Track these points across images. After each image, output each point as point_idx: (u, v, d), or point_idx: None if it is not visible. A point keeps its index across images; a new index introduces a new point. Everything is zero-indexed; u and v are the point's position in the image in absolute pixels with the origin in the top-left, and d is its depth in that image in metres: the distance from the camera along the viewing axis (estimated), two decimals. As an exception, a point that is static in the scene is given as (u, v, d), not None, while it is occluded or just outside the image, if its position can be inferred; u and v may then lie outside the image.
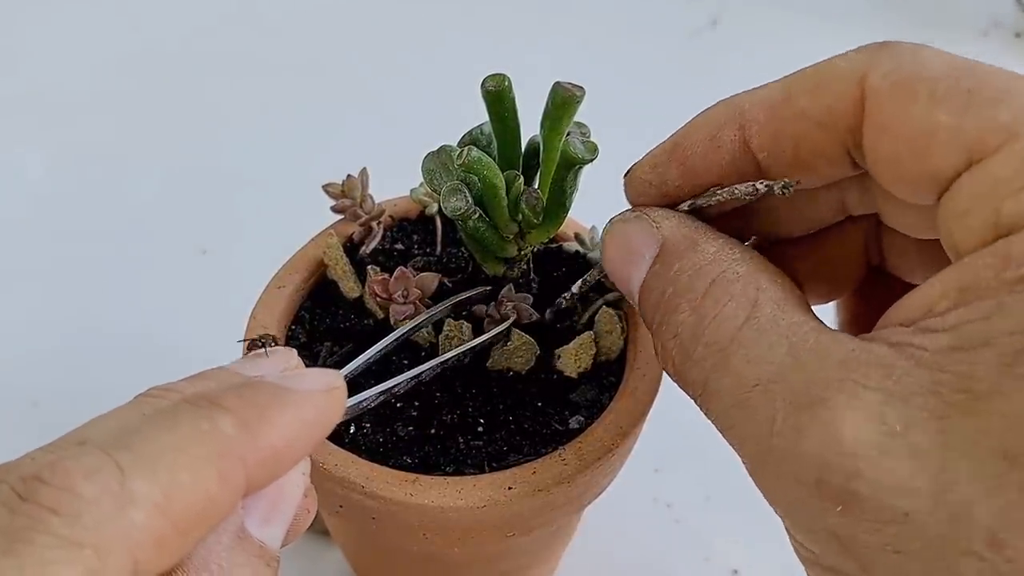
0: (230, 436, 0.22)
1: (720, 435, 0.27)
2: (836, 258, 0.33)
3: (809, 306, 0.26)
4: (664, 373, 0.39)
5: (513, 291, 0.39)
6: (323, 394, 0.25)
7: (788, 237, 0.33)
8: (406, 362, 0.39)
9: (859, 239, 0.32)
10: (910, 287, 0.24)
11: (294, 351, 0.29)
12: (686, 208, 0.30)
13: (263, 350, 0.29)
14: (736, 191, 0.29)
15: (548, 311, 0.39)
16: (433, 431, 0.37)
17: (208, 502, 0.21)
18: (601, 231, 0.32)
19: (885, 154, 0.25)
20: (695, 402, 0.27)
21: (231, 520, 0.24)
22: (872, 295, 0.34)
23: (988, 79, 0.23)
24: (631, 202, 0.32)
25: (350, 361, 0.39)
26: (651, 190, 0.30)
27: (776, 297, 0.25)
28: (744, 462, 0.26)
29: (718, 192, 0.29)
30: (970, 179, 0.23)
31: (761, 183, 0.28)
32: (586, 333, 0.38)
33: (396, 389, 0.34)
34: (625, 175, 0.32)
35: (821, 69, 0.26)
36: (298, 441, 0.24)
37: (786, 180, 0.27)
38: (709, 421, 0.27)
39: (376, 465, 0.35)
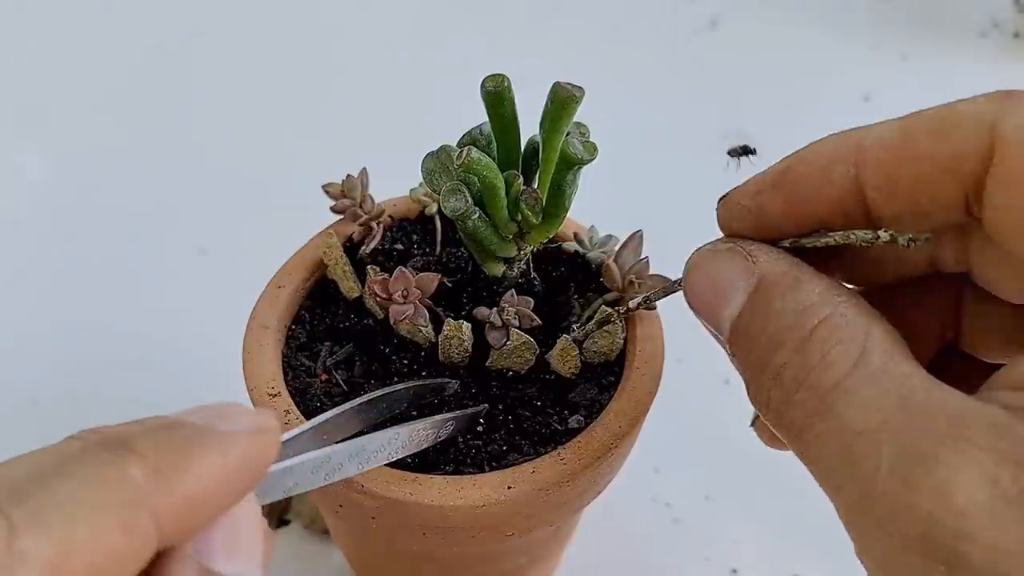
0: (138, 484, 0.20)
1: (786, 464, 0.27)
2: (912, 320, 0.30)
3: (914, 358, 0.25)
4: (662, 373, 0.39)
5: (515, 296, 0.39)
6: (250, 436, 0.23)
7: (864, 284, 0.31)
8: (406, 362, 0.39)
9: (942, 301, 0.31)
10: (983, 369, 0.24)
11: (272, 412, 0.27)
12: (787, 245, 0.28)
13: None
14: (853, 236, 0.27)
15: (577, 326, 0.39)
16: (433, 430, 0.37)
17: (110, 557, 0.20)
18: (684, 264, 0.29)
19: (1009, 207, 0.24)
20: (788, 443, 0.26)
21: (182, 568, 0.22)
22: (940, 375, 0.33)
23: None
24: (723, 228, 0.30)
25: (349, 359, 0.39)
26: (748, 217, 0.29)
27: (885, 344, 0.25)
28: (838, 508, 0.25)
29: (829, 233, 0.27)
30: None
31: (885, 232, 0.26)
32: (563, 337, 0.38)
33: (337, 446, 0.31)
34: (721, 199, 0.30)
35: (945, 112, 0.25)
36: (220, 489, 0.22)
37: (913, 234, 0.26)
38: (804, 466, 0.26)
39: (375, 464, 0.35)
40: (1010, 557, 0.21)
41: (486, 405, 0.38)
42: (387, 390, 0.36)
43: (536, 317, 0.38)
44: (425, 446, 0.35)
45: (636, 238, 0.41)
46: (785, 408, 0.26)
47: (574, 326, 0.39)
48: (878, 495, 0.23)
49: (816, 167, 0.27)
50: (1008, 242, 0.24)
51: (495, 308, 0.38)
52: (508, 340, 0.38)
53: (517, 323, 0.38)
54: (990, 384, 0.24)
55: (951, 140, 0.24)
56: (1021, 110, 0.23)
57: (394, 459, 0.33)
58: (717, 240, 0.29)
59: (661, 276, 0.40)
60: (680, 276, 0.31)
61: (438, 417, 0.35)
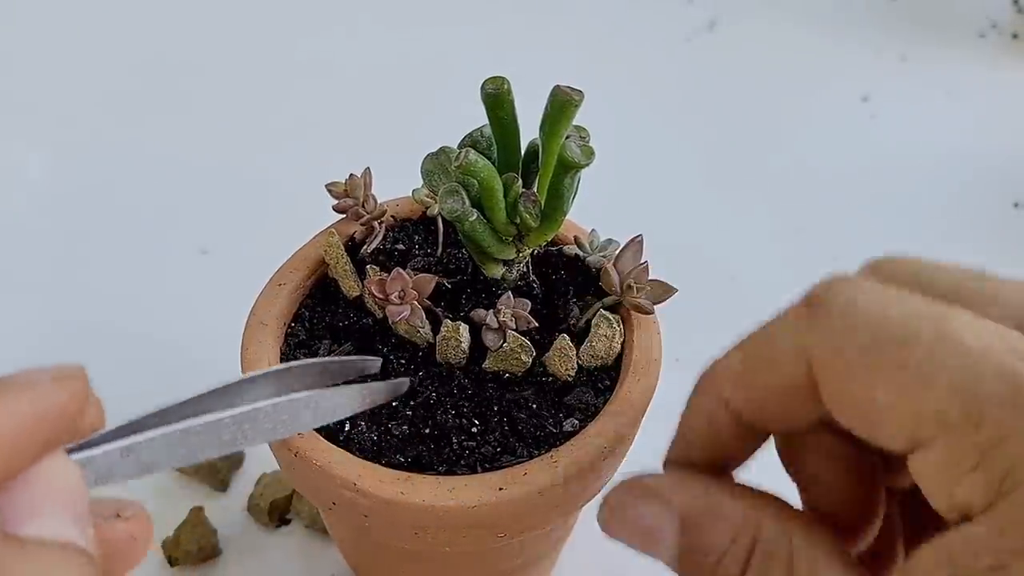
0: None
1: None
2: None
3: (848, 556, 0.26)
4: (659, 378, 0.39)
5: (512, 297, 0.39)
6: (51, 381, 0.22)
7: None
8: (403, 361, 0.40)
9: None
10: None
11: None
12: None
13: None
14: None
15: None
16: (427, 431, 0.37)
17: None
18: (598, 517, 0.29)
19: (846, 423, 0.24)
20: None
21: None
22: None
23: (919, 345, 0.22)
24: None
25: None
26: (696, 454, 0.30)
27: (810, 555, 0.25)
28: None
29: None
30: (918, 461, 0.23)
31: None
32: (561, 337, 0.38)
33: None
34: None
35: (769, 341, 0.26)
36: (17, 438, 0.21)
37: None
38: None
39: (368, 463, 0.35)
40: None
41: (408, 379, 0.37)
42: (303, 362, 0.33)
43: (532, 319, 0.39)
44: (338, 417, 0.32)
45: (636, 243, 0.41)
46: None
47: (571, 321, 0.40)
48: None
49: (702, 424, 0.28)
50: (854, 431, 0.25)
51: (491, 310, 0.38)
52: (504, 343, 0.38)
53: (514, 325, 0.38)
54: None
55: (779, 373, 0.25)
56: (825, 331, 0.24)
57: (302, 430, 0.31)
58: (623, 483, 0.29)
59: (660, 281, 0.40)
60: None
61: (351, 387, 0.33)
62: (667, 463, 0.30)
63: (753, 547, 0.26)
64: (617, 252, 0.41)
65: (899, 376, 0.22)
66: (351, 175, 0.43)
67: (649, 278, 0.40)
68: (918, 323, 0.22)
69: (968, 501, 0.21)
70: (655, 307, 0.40)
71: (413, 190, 0.45)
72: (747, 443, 0.28)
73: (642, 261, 0.40)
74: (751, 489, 0.28)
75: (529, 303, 0.39)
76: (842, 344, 0.23)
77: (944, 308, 0.23)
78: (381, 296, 0.39)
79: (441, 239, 0.44)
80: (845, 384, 0.24)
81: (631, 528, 0.28)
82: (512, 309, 0.38)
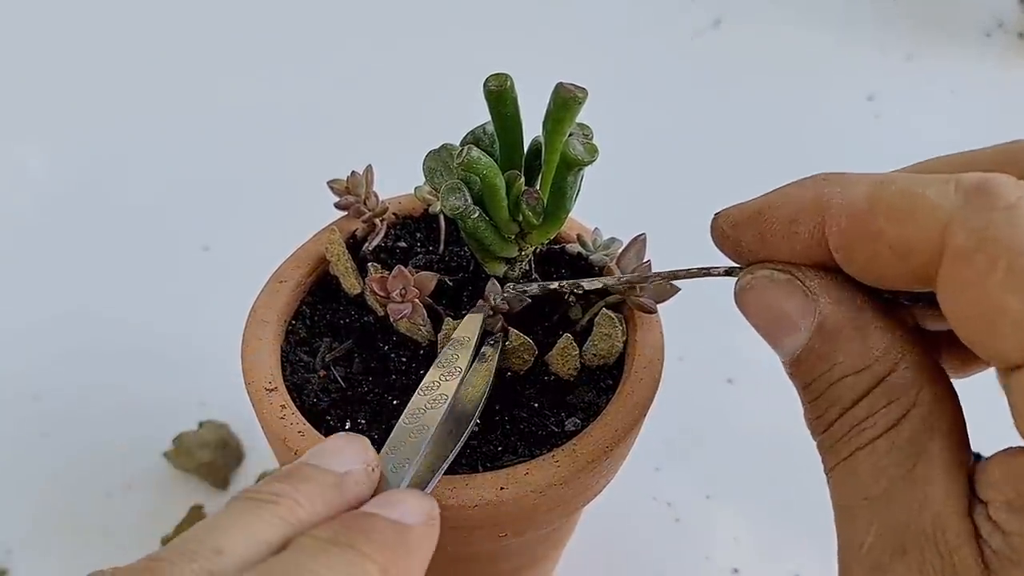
0: None
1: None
2: None
3: (961, 443, 0.25)
4: (661, 378, 0.39)
5: (499, 288, 0.38)
6: (430, 527, 0.28)
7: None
8: (404, 360, 0.39)
9: None
10: None
11: (365, 439, 0.31)
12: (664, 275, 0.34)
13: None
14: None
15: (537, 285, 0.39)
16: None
17: None
18: (737, 282, 0.30)
19: (955, 312, 0.24)
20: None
21: None
22: None
23: None
24: (716, 245, 0.31)
25: (348, 355, 0.39)
26: (728, 244, 0.30)
27: (922, 417, 0.25)
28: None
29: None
30: (1020, 378, 0.22)
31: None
32: (564, 336, 0.38)
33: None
34: (713, 217, 0.31)
35: (912, 193, 0.24)
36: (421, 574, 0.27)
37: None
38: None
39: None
40: None
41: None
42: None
43: (525, 297, 0.38)
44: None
45: (639, 242, 0.40)
46: (824, 445, 0.27)
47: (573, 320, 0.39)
48: (857, 563, 0.25)
49: (786, 215, 0.27)
50: (965, 341, 0.24)
51: (486, 292, 0.38)
52: (508, 341, 0.38)
53: (507, 308, 0.38)
54: (985, 483, 0.24)
55: (907, 228, 0.24)
56: (979, 214, 0.23)
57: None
58: (773, 266, 0.29)
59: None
60: (714, 266, 0.32)
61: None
62: (720, 216, 0.30)
63: (879, 382, 0.25)
64: (620, 251, 0.41)
65: None
66: (353, 172, 0.43)
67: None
68: None
69: None
70: (658, 306, 0.40)
71: (415, 187, 0.45)
72: (811, 260, 0.27)
73: (645, 260, 0.40)
74: (903, 322, 0.27)
75: (526, 290, 0.38)
76: (997, 236, 0.22)
77: None
78: (382, 294, 0.38)
79: (443, 237, 0.44)
80: (977, 278, 0.23)
81: (766, 311, 0.28)
82: (502, 295, 0.38)
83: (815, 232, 0.27)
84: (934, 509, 0.24)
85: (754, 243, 0.29)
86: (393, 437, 0.32)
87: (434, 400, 0.34)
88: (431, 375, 0.35)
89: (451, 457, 0.33)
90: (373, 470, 0.30)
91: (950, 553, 0.23)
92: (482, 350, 0.37)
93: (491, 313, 0.38)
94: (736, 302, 0.29)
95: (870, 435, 0.25)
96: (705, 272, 0.33)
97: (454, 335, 0.37)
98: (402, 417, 0.33)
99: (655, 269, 0.40)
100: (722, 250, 0.30)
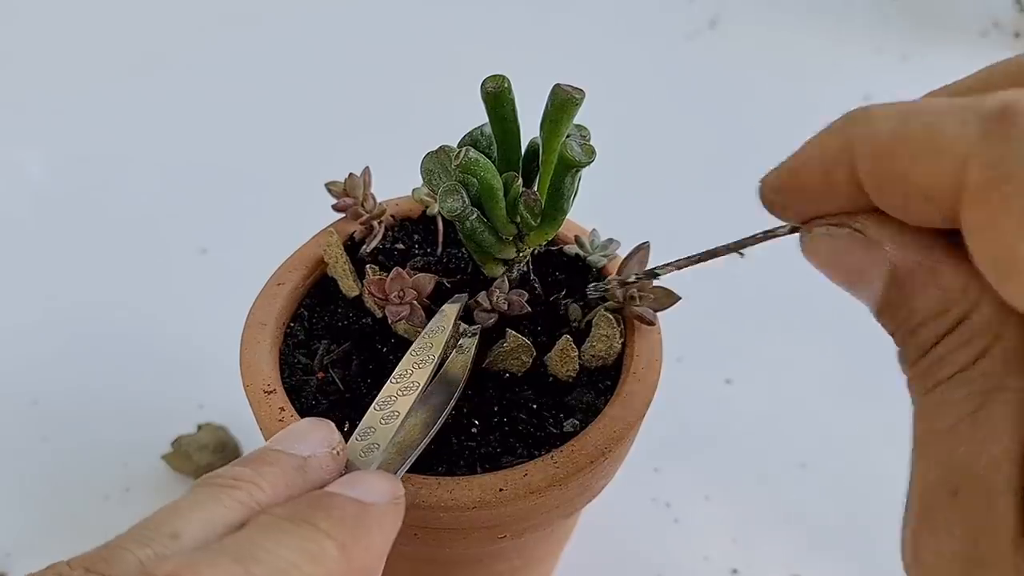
0: (334, 558, 0.25)
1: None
2: None
3: None
4: (659, 379, 0.39)
5: (506, 285, 0.39)
6: (394, 506, 0.28)
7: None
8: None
9: None
10: None
11: (331, 424, 0.31)
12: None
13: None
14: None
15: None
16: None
17: None
18: (800, 242, 0.29)
19: (977, 256, 0.23)
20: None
21: None
22: None
23: None
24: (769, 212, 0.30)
25: (347, 357, 0.39)
26: (778, 208, 0.29)
27: (999, 357, 0.24)
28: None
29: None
30: None
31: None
32: (563, 338, 0.38)
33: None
34: (758, 187, 0.30)
35: (934, 125, 0.23)
36: (383, 554, 0.27)
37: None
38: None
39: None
40: None
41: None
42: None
43: (526, 305, 0.38)
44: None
45: (642, 251, 0.40)
46: (910, 377, 0.26)
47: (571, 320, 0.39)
48: (930, 499, 0.24)
49: (817, 171, 0.27)
50: (986, 275, 0.23)
51: (485, 291, 0.38)
52: (504, 343, 0.38)
53: (505, 307, 0.38)
54: None
55: (927, 165, 0.23)
56: (999, 145, 0.21)
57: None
58: (827, 220, 0.28)
59: (664, 288, 0.40)
60: (779, 226, 0.31)
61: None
62: (763, 184, 0.29)
63: (958, 324, 0.24)
64: (622, 260, 0.41)
65: None
66: (350, 174, 0.43)
67: (654, 284, 0.40)
68: None
69: None
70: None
71: (413, 189, 0.45)
72: (864, 206, 0.26)
73: (646, 268, 0.40)
74: (971, 270, 0.25)
75: (525, 292, 0.39)
76: (1011, 172, 0.21)
77: None
78: (380, 296, 0.38)
79: (441, 238, 0.44)
80: (992, 219, 0.21)
81: (834, 268, 0.27)
82: (506, 294, 0.38)
83: (853, 178, 0.25)
84: (993, 452, 0.23)
85: (801, 202, 0.28)
86: (363, 423, 0.32)
87: (406, 388, 0.34)
88: (404, 363, 0.35)
89: (422, 445, 0.33)
90: (338, 454, 0.30)
91: (995, 499, 0.22)
92: (460, 342, 0.38)
93: (489, 309, 0.38)
94: (814, 262, 0.29)
95: (948, 371, 0.24)
96: (771, 235, 0.32)
97: (428, 324, 0.37)
98: (373, 404, 0.33)
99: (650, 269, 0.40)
100: (777, 216, 0.29)
